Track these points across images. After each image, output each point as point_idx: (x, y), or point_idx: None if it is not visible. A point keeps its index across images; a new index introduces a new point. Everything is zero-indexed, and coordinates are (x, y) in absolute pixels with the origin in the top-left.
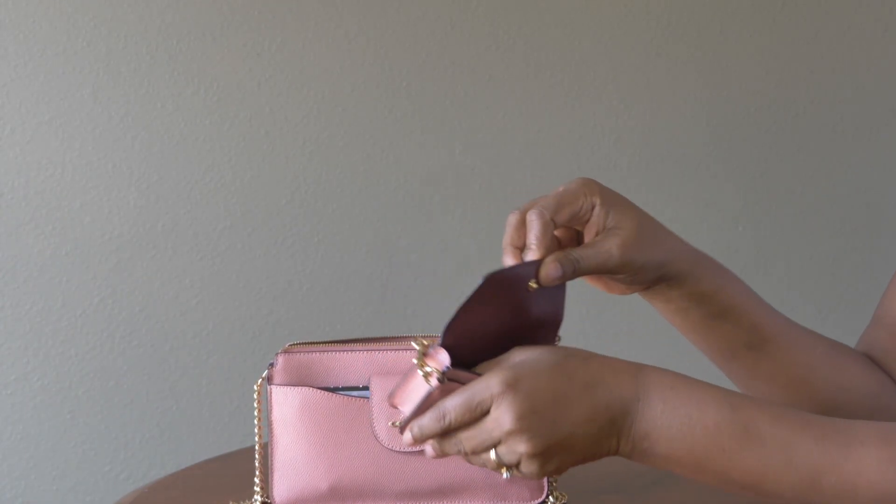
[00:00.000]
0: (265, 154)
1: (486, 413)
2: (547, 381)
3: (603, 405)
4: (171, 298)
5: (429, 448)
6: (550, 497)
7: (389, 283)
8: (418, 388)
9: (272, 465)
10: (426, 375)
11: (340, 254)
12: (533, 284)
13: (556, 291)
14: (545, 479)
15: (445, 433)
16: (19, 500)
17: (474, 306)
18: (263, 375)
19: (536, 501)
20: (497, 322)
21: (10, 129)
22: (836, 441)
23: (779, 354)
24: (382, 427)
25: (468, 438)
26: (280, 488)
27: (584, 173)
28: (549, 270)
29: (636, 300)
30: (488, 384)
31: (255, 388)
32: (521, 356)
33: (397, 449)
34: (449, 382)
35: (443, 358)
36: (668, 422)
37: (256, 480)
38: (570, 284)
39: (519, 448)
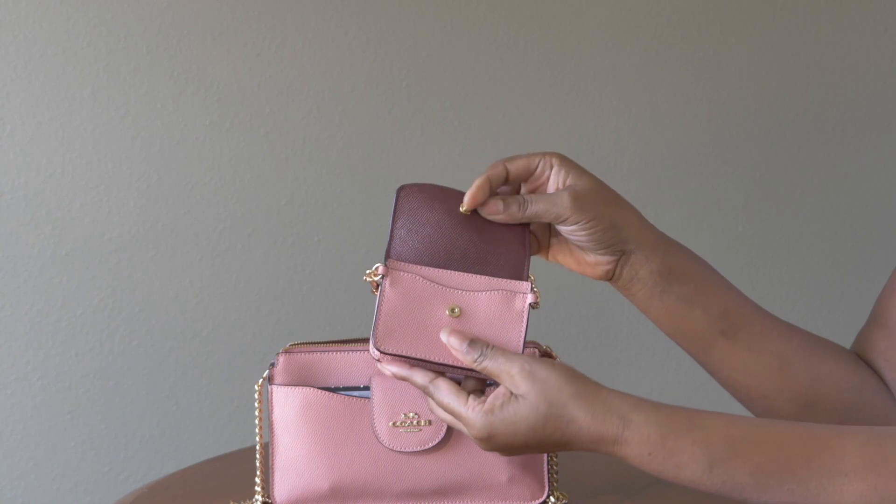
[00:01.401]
0: (265, 154)
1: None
2: (521, 438)
3: (578, 450)
4: (171, 298)
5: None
6: (551, 497)
7: None
8: None
9: (273, 465)
10: (372, 276)
11: (340, 254)
12: (462, 208)
13: (512, 234)
14: (546, 480)
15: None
16: (19, 500)
17: (403, 225)
18: (264, 375)
19: (537, 501)
20: (443, 244)
21: (10, 129)
22: (820, 477)
23: (752, 343)
24: (383, 427)
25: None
26: (281, 488)
27: None
28: (490, 205)
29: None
30: (467, 421)
31: (256, 388)
32: (511, 402)
33: (398, 449)
34: (396, 272)
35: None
36: (645, 471)
37: (257, 480)
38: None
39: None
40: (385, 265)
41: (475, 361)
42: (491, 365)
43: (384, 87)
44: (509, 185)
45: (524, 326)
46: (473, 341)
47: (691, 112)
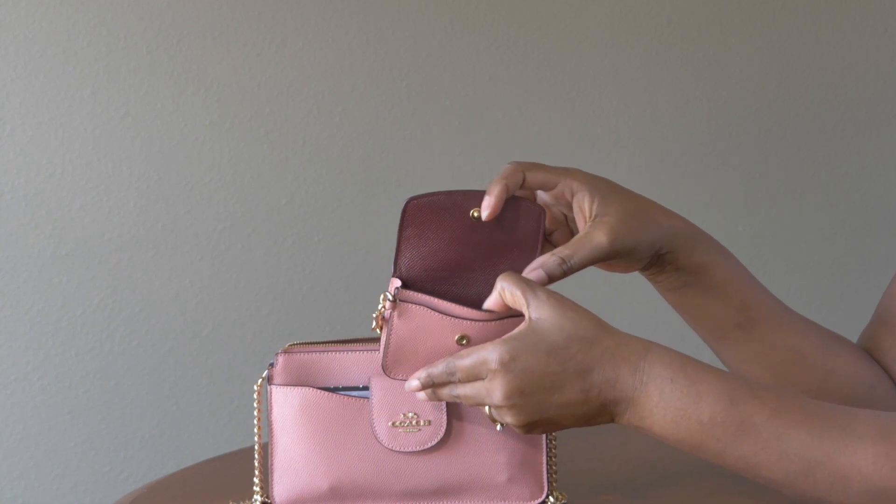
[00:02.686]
0: (265, 154)
1: (481, 377)
2: (542, 363)
3: (596, 391)
4: (171, 298)
5: (422, 394)
6: (550, 497)
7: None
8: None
9: (272, 465)
10: (383, 302)
11: (340, 254)
12: (475, 214)
13: (525, 232)
14: (545, 480)
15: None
16: (19, 500)
17: (411, 235)
18: (263, 375)
19: (536, 501)
20: (453, 252)
21: (10, 129)
22: (834, 435)
23: (768, 337)
24: (382, 427)
25: (466, 396)
26: (280, 488)
27: None
28: (532, 276)
29: (638, 287)
30: (488, 356)
31: (255, 388)
32: (532, 323)
33: (397, 449)
34: (404, 304)
35: (394, 283)
36: (662, 412)
37: (256, 480)
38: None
39: (506, 419)
40: (392, 300)
41: (501, 292)
42: (514, 290)
43: (384, 87)
44: (524, 190)
45: None
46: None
47: (691, 112)
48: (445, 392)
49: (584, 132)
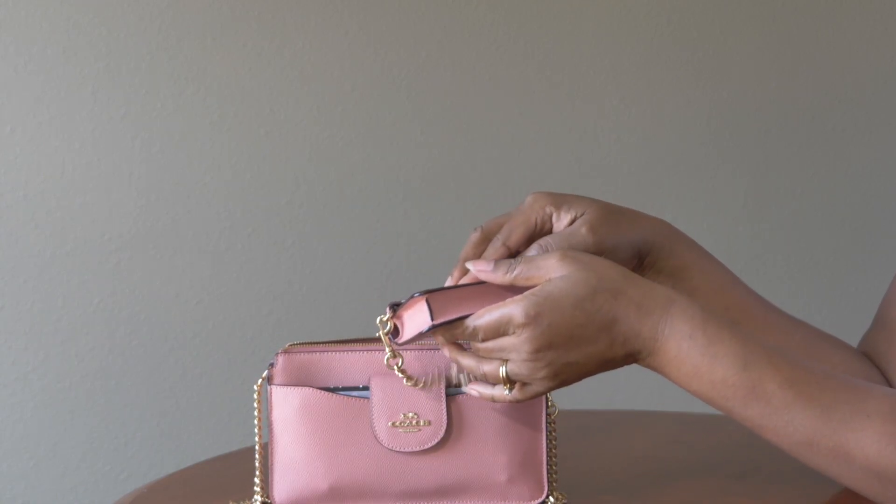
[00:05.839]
0: (265, 154)
1: (507, 334)
2: (567, 317)
3: (620, 342)
4: (171, 298)
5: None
6: (550, 497)
7: (389, 284)
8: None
9: (272, 465)
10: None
11: (340, 254)
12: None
13: None
14: (545, 480)
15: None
16: (19, 500)
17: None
18: (263, 375)
19: (536, 501)
20: None
21: (10, 129)
22: (842, 410)
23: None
24: (382, 427)
25: (485, 349)
26: (280, 488)
27: (584, 173)
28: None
29: None
30: (513, 312)
31: (255, 388)
32: (555, 279)
33: (397, 449)
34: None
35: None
36: (678, 366)
37: (256, 480)
38: None
39: (537, 374)
40: (391, 311)
41: (507, 274)
42: (524, 269)
43: (384, 87)
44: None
45: None
46: (498, 260)
47: (691, 112)
48: (465, 361)
49: (584, 132)
